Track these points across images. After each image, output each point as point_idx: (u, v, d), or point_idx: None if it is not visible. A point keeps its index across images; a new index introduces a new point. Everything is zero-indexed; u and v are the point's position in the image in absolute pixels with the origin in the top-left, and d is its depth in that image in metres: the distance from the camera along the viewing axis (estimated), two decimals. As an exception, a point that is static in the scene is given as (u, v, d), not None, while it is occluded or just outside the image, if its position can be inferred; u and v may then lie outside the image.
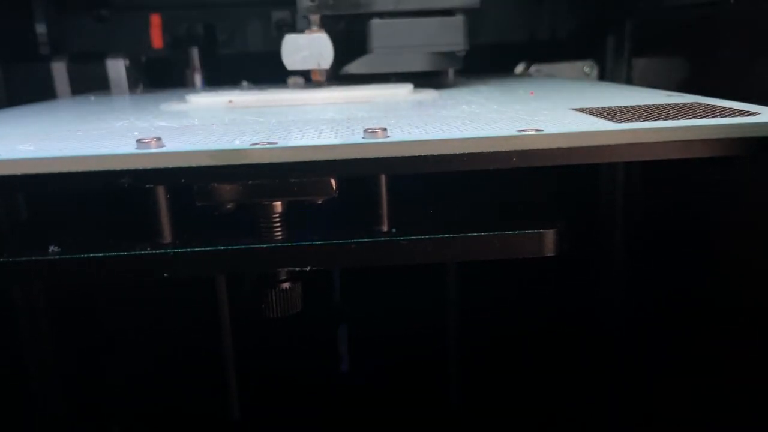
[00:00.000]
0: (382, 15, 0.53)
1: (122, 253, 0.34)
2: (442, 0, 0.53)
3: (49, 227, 0.40)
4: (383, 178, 0.35)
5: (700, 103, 0.37)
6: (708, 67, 0.52)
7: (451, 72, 0.73)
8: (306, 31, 0.53)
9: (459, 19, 0.54)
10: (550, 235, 0.36)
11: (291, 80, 0.68)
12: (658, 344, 0.61)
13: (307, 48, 0.52)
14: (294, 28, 0.73)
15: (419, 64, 0.55)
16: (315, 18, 0.53)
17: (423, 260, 0.35)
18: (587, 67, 0.71)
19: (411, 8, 0.53)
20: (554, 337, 0.74)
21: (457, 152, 0.30)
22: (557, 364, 0.74)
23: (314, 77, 0.55)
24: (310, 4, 0.52)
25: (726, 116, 0.32)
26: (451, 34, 0.54)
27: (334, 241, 0.35)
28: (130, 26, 0.76)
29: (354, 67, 0.55)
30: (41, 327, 0.67)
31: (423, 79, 0.57)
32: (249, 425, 0.74)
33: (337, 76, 0.57)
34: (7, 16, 0.69)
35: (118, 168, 0.29)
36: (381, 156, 0.30)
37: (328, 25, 0.54)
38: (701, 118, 0.32)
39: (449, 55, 0.56)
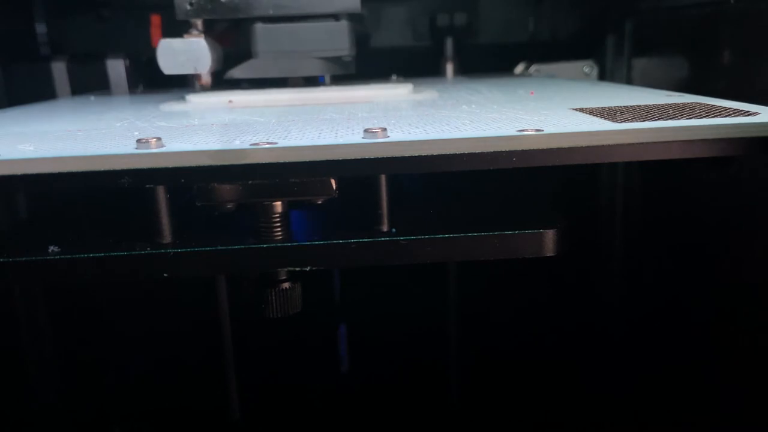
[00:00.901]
0: (264, 20, 0.53)
1: (122, 253, 0.34)
2: (324, 5, 0.53)
3: (49, 227, 0.40)
4: (383, 178, 0.35)
5: (700, 103, 0.37)
6: (708, 67, 0.52)
7: (449, 71, 0.73)
8: (185, 35, 0.53)
9: (344, 24, 0.54)
10: (550, 235, 0.36)
11: (291, 80, 0.68)
12: (658, 344, 0.61)
13: (184, 53, 0.52)
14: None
15: (308, 69, 0.55)
16: (197, 22, 0.53)
17: (423, 260, 0.35)
18: (587, 67, 0.71)
19: (291, 13, 0.53)
20: (554, 337, 0.74)
21: (457, 152, 0.30)
22: (557, 364, 0.74)
23: (199, 82, 0.55)
24: (189, 8, 0.52)
25: (726, 116, 0.32)
26: (337, 39, 0.54)
27: (334, 241, 0.35)
28: (130, 26, 0.76)
29: (238, 72, 0.55)
30: (41, 327, 0.67)
31: (422, 79, 0.57)
32: (249, 425, 0.74)
33: (222, 81, 0.57)
34: (7, 16, 0.69)
35: (118, 168, 0.29)
36: (381, 156, 0.30)
37: (218, 29, 0.54)
38: (701, 118, 0.32)
39: (337, 60, 0.55)
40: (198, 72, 0.53)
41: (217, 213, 0.35)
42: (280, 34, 0.53)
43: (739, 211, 0.48)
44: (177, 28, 0.74)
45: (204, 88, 0.55)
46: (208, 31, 0.54)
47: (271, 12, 0.52)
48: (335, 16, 0.53)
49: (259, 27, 0.53)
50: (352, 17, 0.54)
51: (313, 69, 0.55)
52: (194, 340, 0.72)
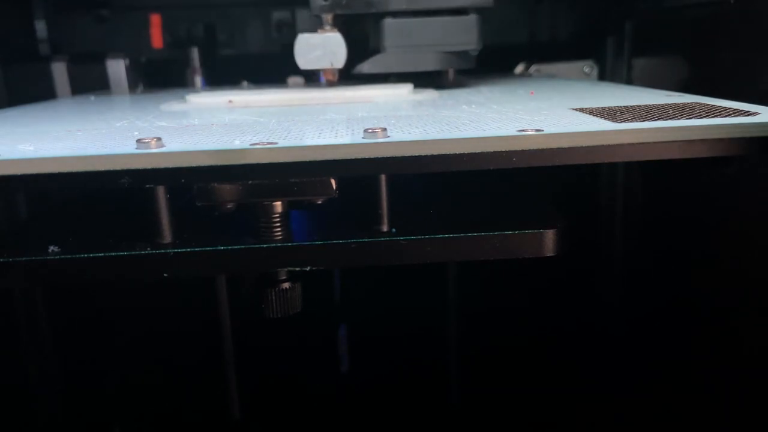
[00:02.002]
0: (395, 14, 0.53)
1: (122, 253, 0.34)
2: None
3: (49, 227, 0.40)
4: (383, 178, 0.35)
5: (700, 103, 0.37)
6: (708, 67, 0.52)
7: (451, 72, 0.73)
8: (319, 30, 0.53)
9: (472, 18, 0.54)
10: (550, 235, 0.36)
11: (291, 80, 0.68)
12: (658, 344, 0.61)
13: (321, 47, 0.52)
14: (294, 28, 0.73)
15: (432, 64, 0.55)
16: (327, 17, 0.53)
17: (423, 260, 0.35)
18: (587, 67, 0.71)
19: (424, 7, 0.53)
20: (554, 337, 0.74)
21: (457, 152, 0.30)
22: (557, 364, 0.74)
23: (326, 77, 0.55)
24: (324, 3, 0.52)
25: (726, 116, 0.32)
26: (465, 34, 0.54)
27: (334, 241, 0.35)
28: (130, 26, 0.76)
29: (366, 67, 0.55)
30: (41, 327, 0.67)
31: (424, 79, 0.57)
32: (249, 425, 0.74)
33: (348, 76, 0.57)
34: (7, 16, 0.69)
35: (118, 168, 0.29)
36: (381, 156, 0.30)
37: (337, 24, 0.54)
38: (701, 118, 0.32)
39: (462, 55, 0.56)
40: (334, 66, 0.53)
41: (217, 213, 0.35)
42: (409, 29, 0.53)
43: (739, 211, 0.48)
44: (174, 28, 0.75)
45: (330, 84, 0.55)
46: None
47: (404, 6, 0.52)
48: (464, 11, 0.53)
49: (388, 22, 0.53)
50: (480, 11, 0.54)
51: (439, 63, 0.55)
52: (194, 340, 0.72)
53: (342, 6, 0.52)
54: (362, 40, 0.56)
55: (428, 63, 0.55)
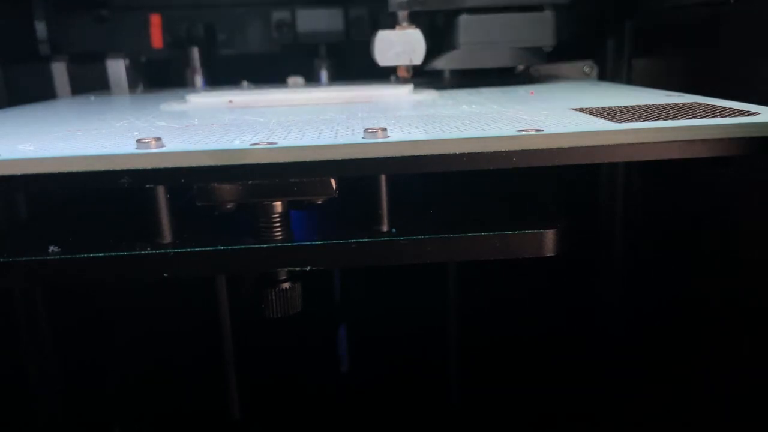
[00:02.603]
0: (470, 11, 0.53)
1: (122, 253, 0.34)
2: None
3: (49, 227, 0.40)
4: (383, 178, 0.35)
5: (700, 103, 0.37)
6: (708, 67, 0.52)
7: (447, 72, 0.73)
8: (397, 27, 0.53)
9: (548, 15, 0.54)
10: (550, 235, 0.36)
11: (291, 80, 0.68)
12: (659, 345, 0.61)
13: (400, 44, 0.52)
14: (294, 28, 0.73)
15: (506, 60, 0.55)
16: (404, 14, 0.53)
17: (423, 260, 0.35)
18: (587, 67, 0.71)
19: (500, 4, 0.53)
20: (554, 337, 0.74)
21: (457, 152, 0.30)
22: (557, 364, 0.74)
23: (400, 73, 0.55)
24: (401, 0, 0.52)
25: (726, 116, 0.32)
26: (540, 30, 0.54)
27: (334, 241, 0.35)
28: (130, 26, 0.76)
29: (441, 63, 0.55)
30: (41, 327, 0.67)
31: (425, 79, 0.57)
32: (249, 425, 0.74)
33: (421, 73, 0.57)
34: (7, 16, 0.69)
35: (118, 168, 0.29)
36: (381, 156, 0.30)
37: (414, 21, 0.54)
38: (701, 118, 0.32)
39: (535, 51, 0.56)
40: (413, 63, 0.53)
41: (217, 213, 0.35)
42: (484, 25, 0.54)
43: (739, 211, 0.48)
44: (174, 28, 0.75)
45: (404, 80, 0.55)
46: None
47: (481, 3, 0.53)
48: (539, 7, 0.54)
49: (463, 18, 0.53)
50: (556, 7, 0.54)
51: (513, 60, 0.55)
52: (194, 340, 0.72)
53: (419, 2, 0.52)
54: (432, 37, 0.56)
55: (502, 59, 0.55)
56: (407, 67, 0.54)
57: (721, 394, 0.50)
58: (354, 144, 0.30)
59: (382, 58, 0.53)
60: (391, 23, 0.54)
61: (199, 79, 0.72)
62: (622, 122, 0.32)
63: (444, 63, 0.55)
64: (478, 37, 0.54)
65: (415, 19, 0.54)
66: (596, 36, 0.71)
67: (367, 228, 0.36)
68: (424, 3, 0.52)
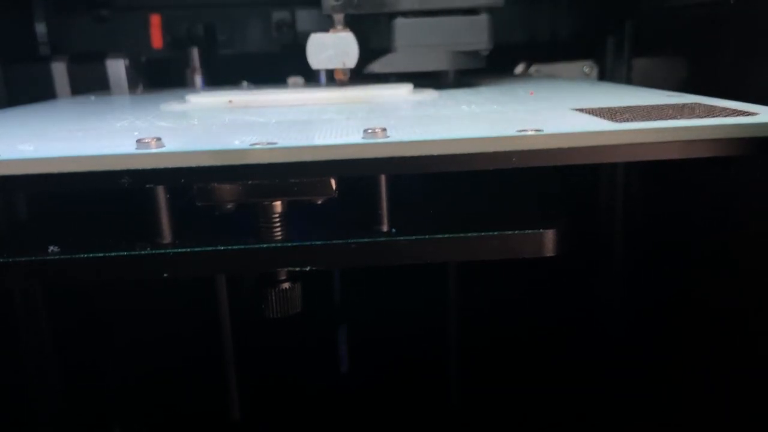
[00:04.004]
0: (406, 14, 0.53)
1: (122, 253, 0.34)
2: None
3: (49, 227, 0.40)
4: (383, 178, 0.35)
5: (700, 103, 0.37)
6: (708, 67, 0.52)
7: (450, 72, 0.73)
8: (331, 30, 0.53)
9: (484, 18, 0.54)
10: (550, 235, 0.36)
11: (291, 80, 0.68)
12: (659, 345, 0.61)
13: (333, 47, 0.52)
14: (294, 28, 0.73)
15: (442, 63, 0.55)
16: (339, 17, 0.53)
17: (423, 260, 0.35)
18: (587, 67, 0.71)
19: (435, 7, 0.53)
20: (554, 337, 0.74)
21: (457, 152, 0.30)
22: (557, 364, 0.74)
23: (337, 76, 0.55)
24: (335, 3, 0.52)
25: (726, 116, 0.32)
26: (476, 33, 0.54)
27: (334, 241, 0.35)
28: (130, 26, 0.76)
29: (377, 66, 0.55)
30: (41, 327, 0.67)
31: (423, 80, 0.57)
32: (249, 425, 0.74)
33: (360, 75, 0.57)
34: (7, 16, 0.69)
35: (118, 168, 0.29)
36: (381, 156, 0.30)
37: (348, 24, 0.54)
38: (701, 118, 0.32)
39: (473, 54, 0.56)
40: (346, 66, 0.53)
41: (217, 213, 0.35)
42: (419, 28, 0.53)
43: (738, 211, 0.48)
44: (174, 28, 0.75)
45: (342, 83, 0.55)
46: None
47: (416, 6, 0.53)
48: (475, 11, 0.54)
49: (399, 21, 0.53)
50: (491, 11, 0.54)
51: (450, 63, 0.55)
52: (194, 340, 0.72)
53: (354, 6, 0.52)
54: (372, 40, 0.56)
55: (439, 63, 0.55)
56: (344, 71, 0.54)
57: (721, 395, 0.50)
58: (354, 144, 0.30)
59: (315, 61, 0.53)
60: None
61: (199, 79, 0.72)
62: (622, 122, 0.32)
63: (380, 66, 0.55)
64: (414, 40, 0.54)
65: (358, 22, 0.54)
66: (596, 36, 0.71)
67: (367, 228, 0.36)
68: (358, 6, 0.52)
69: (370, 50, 0.56)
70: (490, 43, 0.55)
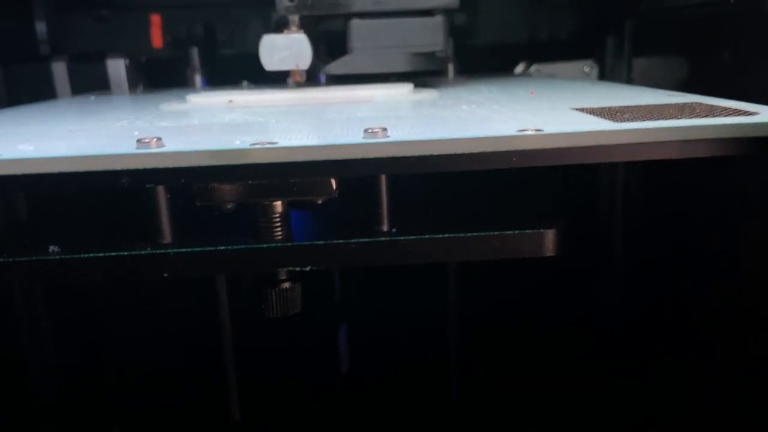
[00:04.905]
0: (361, 15, 0.53)
1: (122, 253, 0.34)
2: (420, 0, 0.53)
3: (49, 227, 0.40)
4: (383, 178, 0.35)
5: (700, 103, 0.37)
6: (708, 67, 0.52)
7: (451, 71, 0.73)
8: (285, 31, 0.53)
9: (438, 20, 0.53)
10: (550, 235, 0.36)
11: (291, 80, 0.68)
12: (658, 346, 0.61)
13: (286, 48, 0.52)
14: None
15: (400, 65, 0.55)
16: (294, 18, 0.52)
17: (423, 260, 0.35)
18: (587, 67, 0.71)
19: (390, 9, 0.53)
20: (554, 337, 0.74)
21: (457, 152, 0.30)
22: (557, 365, 0.74)
23: (294, 78, 0.55)
24: (289, 4, 0.52)
25: (726, 116, 0.32)
26: (431, 35, 0.54)
27: (334, 241, 0.35)
28: (130, 26, 0.76)
29: (334, 68, 0.55)
30: (41, 327, 0.67)
31: (421, 80, 0.57)
32: (249, 425, 0.74)
33: (317, 77, 0.57)
34: (7, 16, 0.69)
35: (118, 168, 0.29)
36: (381, 156, 0.30)
37: (308, 25, 0.54)
38: (701, 118, 0.32)
39: (430, 56, 0.55)
40: (299, 68, 0.53)
41: (217, 213, 0.35)
42: (376, 30, 0.53)
43: (738, 211, 0.48)
44: (174, 28, 0.75)
45: (298, 85, 0.55)
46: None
47: (370, 8, 0.52)
48: (430, 12, 0.53)
49: (355, 23, 0.53)
50: (446, 12, 0.54)
51: (407, 65, 0.55)
52: (194, 340, 0.72)
53: (308, 7, 0.52)
54: (335, 42, 0.56)
55: (396, 64, 0.55)
56: (300, 72, 0.54)
57: (721, 394, 0.50)
58: (354, 144, 0.30)
59: (268, 62, 0.52)
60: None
61: (199, 79, 0.72)
62: (622, 122, 0.32)
63: (336, 68, 0.55)
64: (370, 42, 0.53)
65: (323, 24, 0.54)
66: (596, 35, 0.71)
67: (367, 228, 0.36)
68: (312, 7, 0.52)
69: (342, 52, 0.56)
70: (445, 45, 0.55)
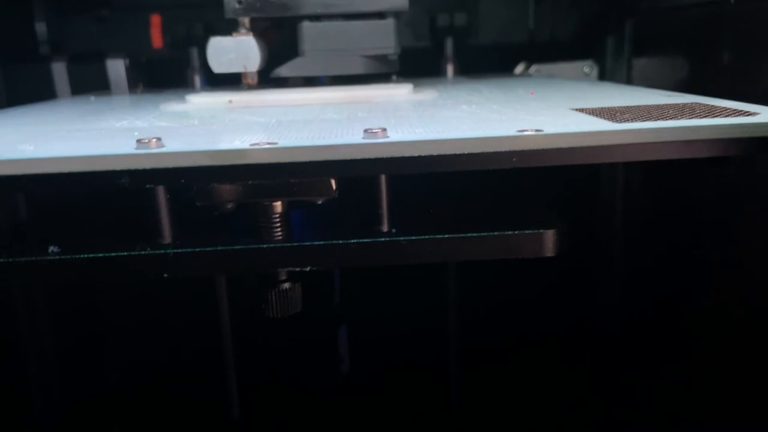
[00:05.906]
0: (312, 18, 0.53)
1: (122, 253, 0.34)
2: (371, 3, 0.53)
3: (49, 227, 0.40)
4: (383, 178, 0.35)
5: (700, 103, 0.37)
6: (708, 67, 0.52)
7: (449, 71, 0.73)
8: (233, 33, 0.53)
9: (390, 22, 0.53)
10: (550, 235, 0.36)
11: (291, 80, 0.68)
12: (657, 345, 0.61)
13: (234, 50, 0.52)
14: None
15: (353, 68, 0.55)
16: (244, 20, 0.52)
17: (423, 260, 0.35)
18: (587, 67, 0.71)
19: (339, 11, 0.53)
20: (554, 337, 0.74)
21: (457, 152, 0.30)
22: (557, 365, 0.74)
23: (245, 80, 0.55)
24: (237, 6, 0.52)
25: (726, 116, 0.32)
26: (382, 37, 0.53)
27: (334, 241, 0.35)
28: (130, 26, 0.76)
29: (285, 70, 0.55)
30: (41, 327, 0.67)
31: (422, 79, 0.57)
32: (249, 425, 0.74)
33: (268, 80, 0.57)
34: (7, 16, 0.69)
35: (118, 168, 0.29)
36: (381, 156, 0.30)
37: (260, 27, 0.54)
38: (701, 118, 0.32)
39: (383, 59, 0.55)
40: (248, 70, 0.53)
41: (217, 213, 0.35)
42: (327, 33, 0.53)
43: (738, 211, 0.48)
44: (174, 28, 0.75)
45: (251, 87, 0.55)
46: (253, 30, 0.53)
47: (319, 10, 0.52)
48: (381, 15, 0.53)
49: (306, 25, 0.53)
50: (398, 15, 0.54)
51: (360, 67, 0.55)
52: (194, 340, 0.72)
53: (257, 9, 0.52)
54: (288, 43, 0.56)
55: (349, 67, 0.55)
56: (250, 74, 0.54)
57: (721, 393, 0.50)
58: (354, 144, 0.30)
59: (216, 65, 0.52)
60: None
61: (199, 79, 0.72)
62: (622, 122, 0.32)
63: (288, 70, 0.55)
64: (322, 44, 0.53)
65: (275, 26, 0.54)
66: (596, 36, 0.71)
67: (367, 228, 0.36)
68: (261, 10, 0.52)
69: (289, 53, 0.55)
70: (397, 47, 0.54)
